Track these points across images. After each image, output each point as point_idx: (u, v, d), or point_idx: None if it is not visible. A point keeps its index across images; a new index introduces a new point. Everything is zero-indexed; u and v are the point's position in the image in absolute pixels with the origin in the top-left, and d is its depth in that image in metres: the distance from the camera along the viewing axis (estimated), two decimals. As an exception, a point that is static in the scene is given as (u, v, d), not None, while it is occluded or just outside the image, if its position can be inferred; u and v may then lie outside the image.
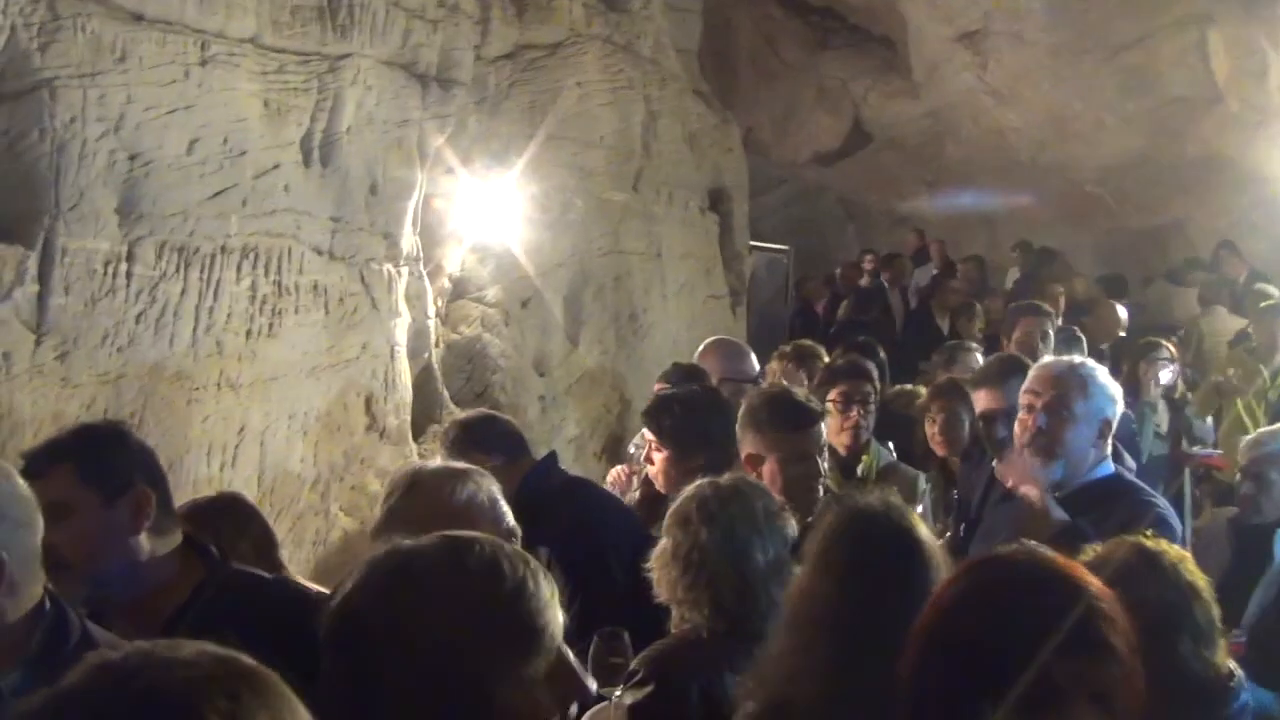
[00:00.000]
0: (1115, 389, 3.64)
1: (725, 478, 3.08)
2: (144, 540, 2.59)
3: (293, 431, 5.89)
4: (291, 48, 5.79)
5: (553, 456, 4.24)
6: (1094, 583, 1.87)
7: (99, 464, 2.57)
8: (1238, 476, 4.79)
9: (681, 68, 10.02)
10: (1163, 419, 7.37)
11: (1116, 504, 3.43)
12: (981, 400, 4.49)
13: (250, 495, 4.73)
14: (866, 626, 2.33)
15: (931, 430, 5.23)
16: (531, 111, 7.90)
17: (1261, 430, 4.92)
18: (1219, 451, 6.61)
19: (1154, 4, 11.23)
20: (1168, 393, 7.55)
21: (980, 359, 6.55)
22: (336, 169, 6.11)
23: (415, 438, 6.90)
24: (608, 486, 5.02)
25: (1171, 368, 6.93)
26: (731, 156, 10.75)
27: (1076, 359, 3.77)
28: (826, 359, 6.10)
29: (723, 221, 10.51)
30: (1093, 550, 2.61)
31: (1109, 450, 3.61)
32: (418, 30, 6.58)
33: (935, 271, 13.97)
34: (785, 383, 5.31)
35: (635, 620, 2.94)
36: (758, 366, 6.08)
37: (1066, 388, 3.53)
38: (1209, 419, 7.78)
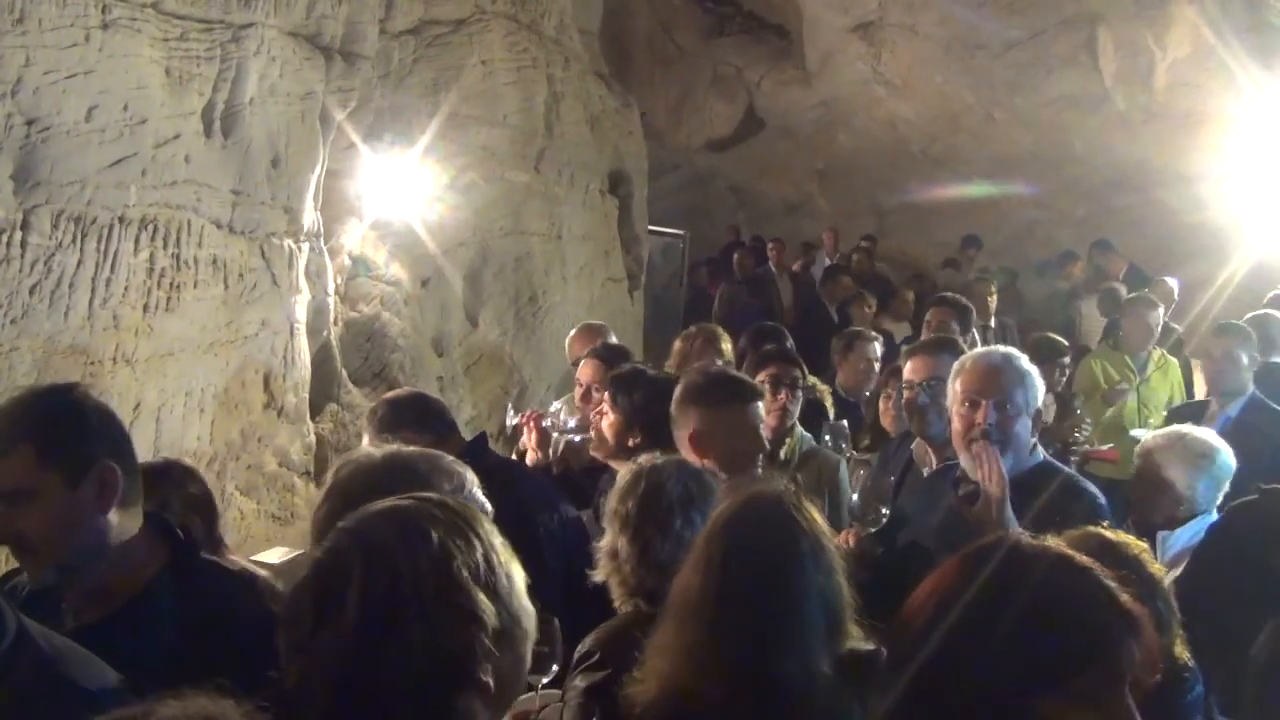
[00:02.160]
0: (1039, 377, 3.72)
1: (663, 459, 3.08)
2: (113, 518, 2.43)
3: (189, 409, 5.73)
4: (194, 14, 5.62)
5: (483, 438, 4.21)
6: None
7: (60, 444, 2.39)
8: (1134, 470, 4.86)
9: (584, 49, 9.98)
10: (1049, 412, 7.54)
11: (1053, 490, 3.51)
12: (909, 369, 4.57)
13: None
14: (736, 621, 2.32)
15: (885, 406, 5.42)
16: (435, 88, 7.80)
17: (1157, 432, 5.03)
18: (1108, 446, 6.76)
19: (1045, 2, 11.49)
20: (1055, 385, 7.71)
21: (878, 348, 6.66)
22: (238, 141, 5.96)
23: (312, 416, 6.79)
24: (511, 422, 5.23)
25: (1066, 366, 7.07)
26: (632, 140, 10.74)
27: (1004, 349, 3.82)
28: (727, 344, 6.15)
29: (622, 205, 10.52)
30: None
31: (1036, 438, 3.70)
32: (322, 1, 6.44)
33: (829, 261, 14.13)
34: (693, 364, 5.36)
35: (570, 605, 2.94)
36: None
37: (1009, 382, 3.60)
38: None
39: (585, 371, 5.16)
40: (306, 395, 6.66)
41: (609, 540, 2.92)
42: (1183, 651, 2.63)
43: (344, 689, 1.67)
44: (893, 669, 1.84)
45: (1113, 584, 1.76)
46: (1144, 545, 2.69)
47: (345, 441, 6.90)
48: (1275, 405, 5.94)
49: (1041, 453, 3.69)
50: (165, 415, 5.56)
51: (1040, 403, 3.66)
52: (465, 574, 1.73)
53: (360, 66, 6.90)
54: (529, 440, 5.03)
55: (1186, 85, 11.05)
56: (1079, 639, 1.71)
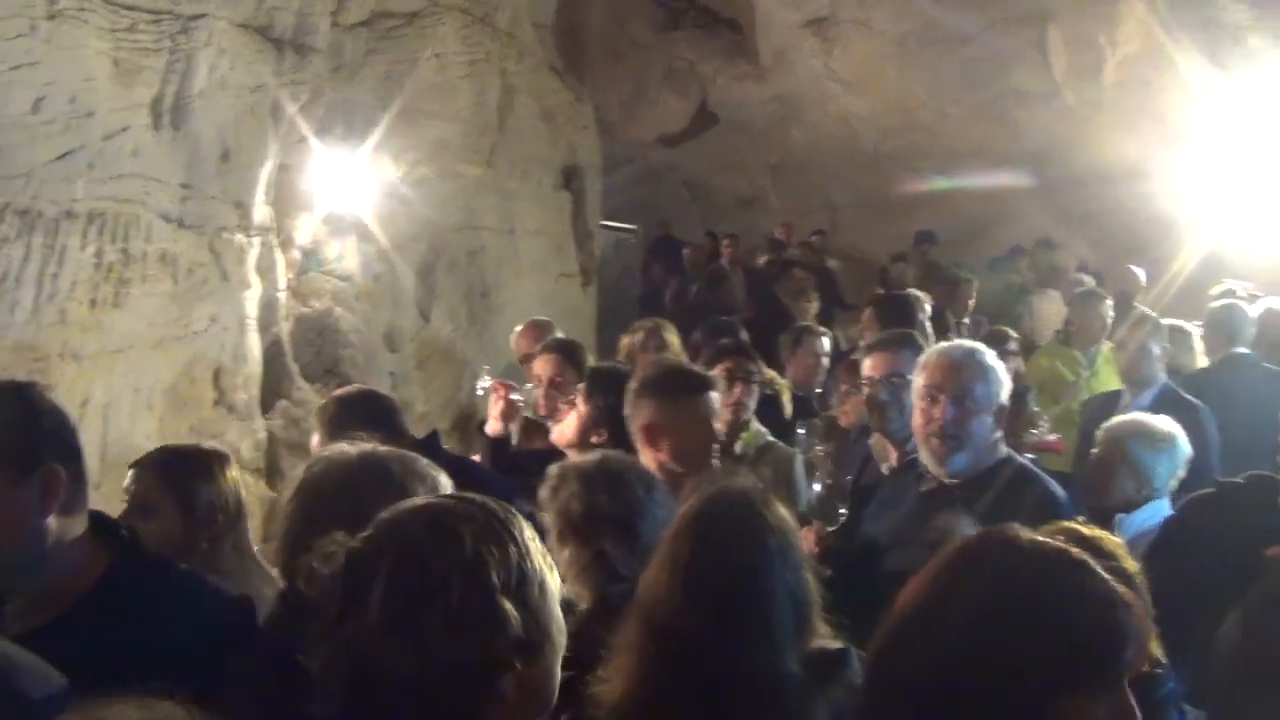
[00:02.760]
0: (1004, 372, 3.71)
1: (605, 455, 3.06)
2: (53, 523, 2.33)
3: (138, 405, 5.66)
4: (143, 5, 5.53)
5: (435, 435, 4.18)
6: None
7: (3, 441, 2.29)
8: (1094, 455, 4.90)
9: (538, 43, 9.94)
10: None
11: (1004, 481, 3.51)
12: (868, 366, 4.51)
13: (92, 471, 4.51)
14: (704, 620, 2.31)
15: (842, 403, 5.43)
16: (388, 81, 7.74)
17: (1119, 418, 5.07)
18: (1055, 436, 6.81)
19: (997, -2, 11.59)
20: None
21: (827, 343, 6.67)
22: (187, 134, 5.88)
23: (264, 413, 6.72)
24: (483, 385, 5.14)
25: (1017, 359, 7.12)
26: (586, 134, 10.72)
27: (968, 344, 3.82)
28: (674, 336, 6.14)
29: (575, 199, 10.49)
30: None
31: (1001, 434, 3.69)
32: (273, -7, 6.38)
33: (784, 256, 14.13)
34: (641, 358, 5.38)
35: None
36: None
37: (969, 377, 3.59)
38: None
39: (544, 366, 5.10)
40: (257, 392, 6.60)
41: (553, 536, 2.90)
42: (1155, 646, 2.64)
43: (361, 681, 1.67)
44: (883, 666, 1.83)
45: (1109, 577, 1.76)
46: (1119, 541, 2.69)
47: (297, 438, 6.83)
48: (1188, 396, 6.00)
49: (1004, 449, 3.69)
50: (113, 412, 5.49)
51: (1004, 399, 3.64)
52: (494, 581, 1.70)
53: (312, 59, 6.83)
54: (492, 409, 4.98)
55: (1136, 81, 11.15)
56: (1087, 636, 1.69)
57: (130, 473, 3.35)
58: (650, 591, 2.37)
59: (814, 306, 9.58)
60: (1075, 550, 1.80)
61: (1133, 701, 1.71)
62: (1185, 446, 4.63)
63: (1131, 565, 2.49)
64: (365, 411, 3.84)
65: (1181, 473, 4.61)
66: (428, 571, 1.68)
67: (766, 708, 2.24)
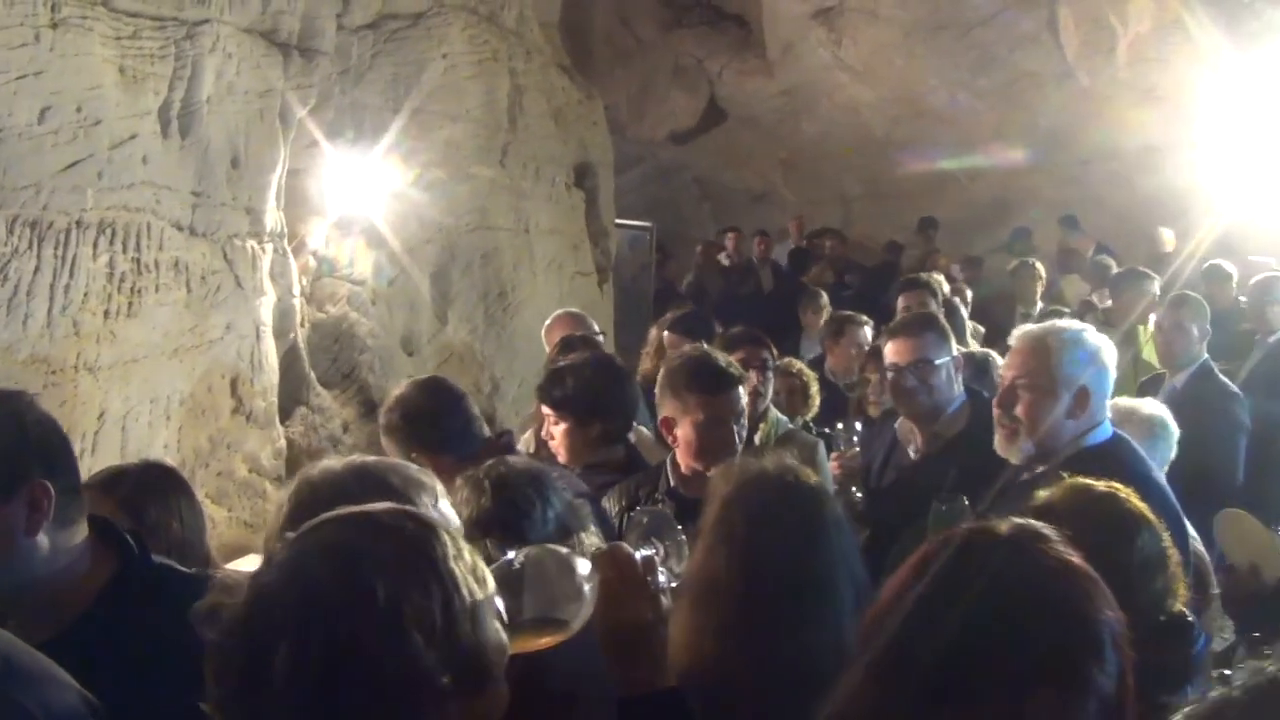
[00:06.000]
0: (1092, 350, 3.60)
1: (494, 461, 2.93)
2: (43, 540, 2.24)
3: (155, 416, 5.60)
4: (147, 12, 5.48)
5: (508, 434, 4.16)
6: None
7: None
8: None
9: (545, 41, 9.88)
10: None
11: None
12: (891, 352, 4.41)
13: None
14: (768, 599, 2.25)
15: (871, 391, 5.36)
16: (395, 84, 7.68)
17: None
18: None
19: (1007, -20, 11.52)
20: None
21: (869, 332, 6.57)
22: (196, 140, 5.82)
23: (282, 421, 6.66)
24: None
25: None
26: (596, 131, 10.65)
27: (1053, 323, 3.74)
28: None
29: (588, 197, 10.42)
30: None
31: (1098, 416, 3.57)
32: (277, -3, 6.31)
33: (794, 246, 14.09)
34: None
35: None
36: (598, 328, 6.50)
37: (1034, 358, 3.52)
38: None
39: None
40: (275, 399, 6.53)
41: None
42: (1182, 601, 2.58)
43: None
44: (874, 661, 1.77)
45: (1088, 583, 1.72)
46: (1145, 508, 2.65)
47: (316, 445, 6.78)
48: (1224, 379, 5.91)
49: (1106, 430, 3.57)
50: (131, 423, 5.42)
51: (1089, 378, 3.52)
52: (415, 632, 1.55)
53: (319, 63, 6.77)
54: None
55: (1149, 60, 11.08)
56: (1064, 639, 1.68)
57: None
58: (706, 576, 2.29)
59: (817, 317, 9.51)
60: (1051, 550, 1.76)
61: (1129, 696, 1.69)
62: (1174, 432, 4.54)
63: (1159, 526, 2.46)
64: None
65: (1171, 455, 4.52)
66: (336, 635, 1.53)
67: (830, 686, 2.17)
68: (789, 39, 13.87)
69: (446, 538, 1.66)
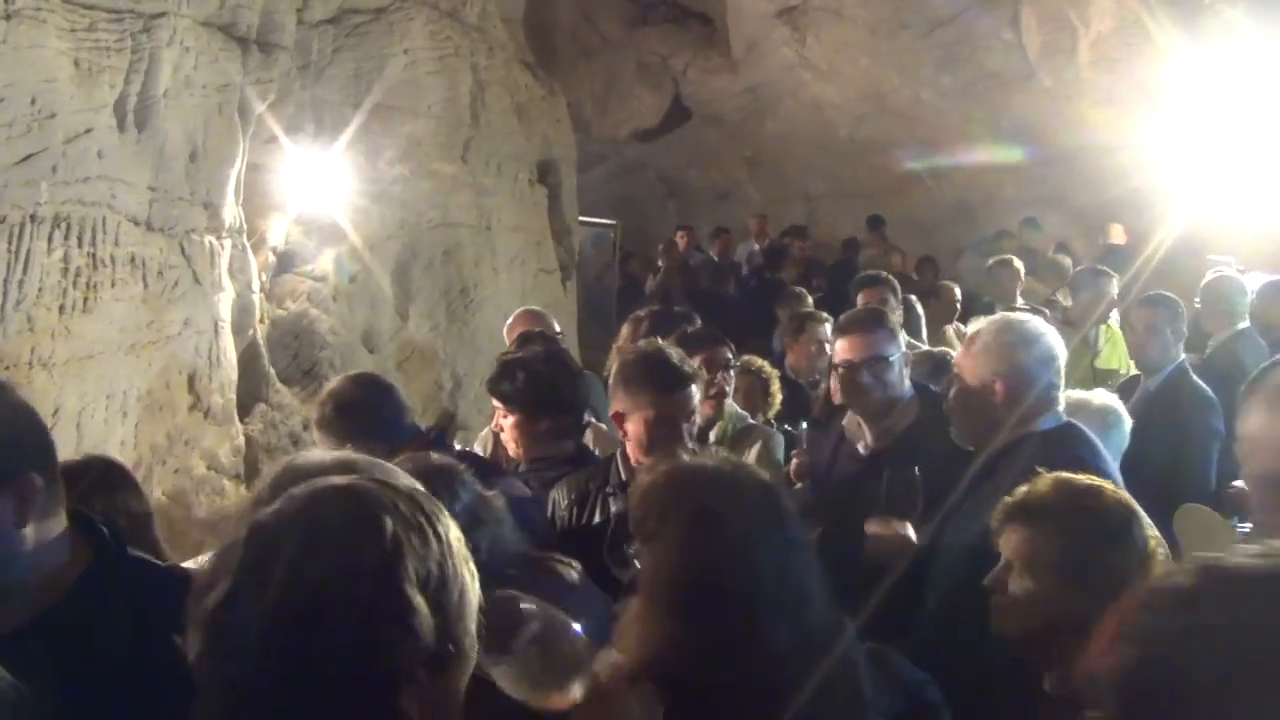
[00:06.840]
0: (1034, 336, 3.61)
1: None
2: (29, 532, 2.19)
3: (111, 412, 5.54)
4: (103, 4, 5.41)
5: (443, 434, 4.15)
6: None
7: None
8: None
9: (508, 37, 9.85)
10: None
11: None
12: (843, 348, 4.37)
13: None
14: (726, 588, 2.22)
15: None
16: (357, 79, 7.64)
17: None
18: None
19: (969, -21, 11.58)
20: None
21: (829, 330, 6.56)
22: (153, 135, 5.76)
23: (241, 418, 6.61)
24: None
25: None
26: (559, 128, 10.63)
27: (1001, 314, 3.79)
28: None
29: (551, 194, 10.40)
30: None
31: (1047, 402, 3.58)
32: (236, -10, 6.26)
33: (756, 246, 14.12)
34: None
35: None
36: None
37: (980, 347, 3.58)
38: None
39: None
40: (234, 396, 6.48)
41: None
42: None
43: (242, 676, 1.50)
44: None
45: None
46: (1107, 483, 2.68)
47: (276, 442, 6.73)
48: (1199, 383, 5.93)
49: (1057, 419, 3.60)
50: (86, 420, 5.36)
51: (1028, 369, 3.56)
52: (412, 579, 1.53)
53: (278, 57, 6.72)
54: None
55: (1110, 59, 11.15)
56: None
57: None
58: (659, 570, 2.28)
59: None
60: None
61: None
62: (1126, 419, 4.58)
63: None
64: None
65: (1124, 445, 4.54)
66: (336, 562, 1.51)
67: (784, 673, 2.16)
68: (753, 37, 13.89)
69: (450, 521, 1.67)
